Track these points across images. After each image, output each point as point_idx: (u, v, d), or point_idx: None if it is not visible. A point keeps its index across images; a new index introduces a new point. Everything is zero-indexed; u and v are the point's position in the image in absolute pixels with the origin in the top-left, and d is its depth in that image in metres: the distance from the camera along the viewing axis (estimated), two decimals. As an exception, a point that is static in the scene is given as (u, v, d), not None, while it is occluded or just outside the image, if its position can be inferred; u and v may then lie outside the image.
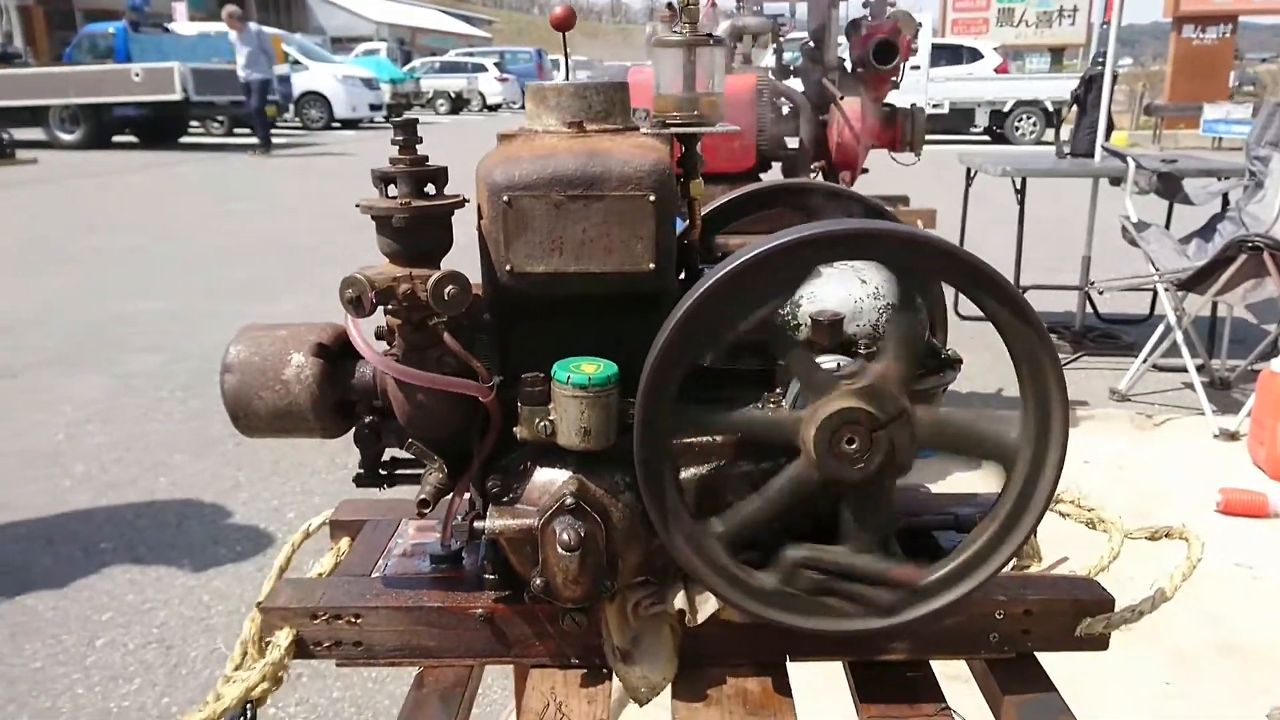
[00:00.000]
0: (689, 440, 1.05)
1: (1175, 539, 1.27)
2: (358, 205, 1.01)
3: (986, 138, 17.58)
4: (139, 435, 3.93)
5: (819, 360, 1.06)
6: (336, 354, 1.07)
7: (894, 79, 3.42)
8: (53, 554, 2.99)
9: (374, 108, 22.00)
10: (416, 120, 1.02)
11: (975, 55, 18.19)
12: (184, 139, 17.67)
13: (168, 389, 4.49)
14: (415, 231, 0.99)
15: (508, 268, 1.02)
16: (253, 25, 15.29)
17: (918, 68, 16.34)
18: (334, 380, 1.07)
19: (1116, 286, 4.61)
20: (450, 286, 0.97)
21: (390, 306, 1.02)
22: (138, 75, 15.60)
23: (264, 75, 14.79)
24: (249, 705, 1.18)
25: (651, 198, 0.99)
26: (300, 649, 1.15)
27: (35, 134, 15.88)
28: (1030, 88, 16.99)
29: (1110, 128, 4.98)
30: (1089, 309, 5.31)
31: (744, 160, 3.14)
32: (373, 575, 1.21)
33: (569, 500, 1.00)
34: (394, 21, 43.06)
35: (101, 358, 4.96)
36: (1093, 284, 4.85)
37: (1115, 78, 4.85)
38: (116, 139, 16.72)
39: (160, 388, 4.51)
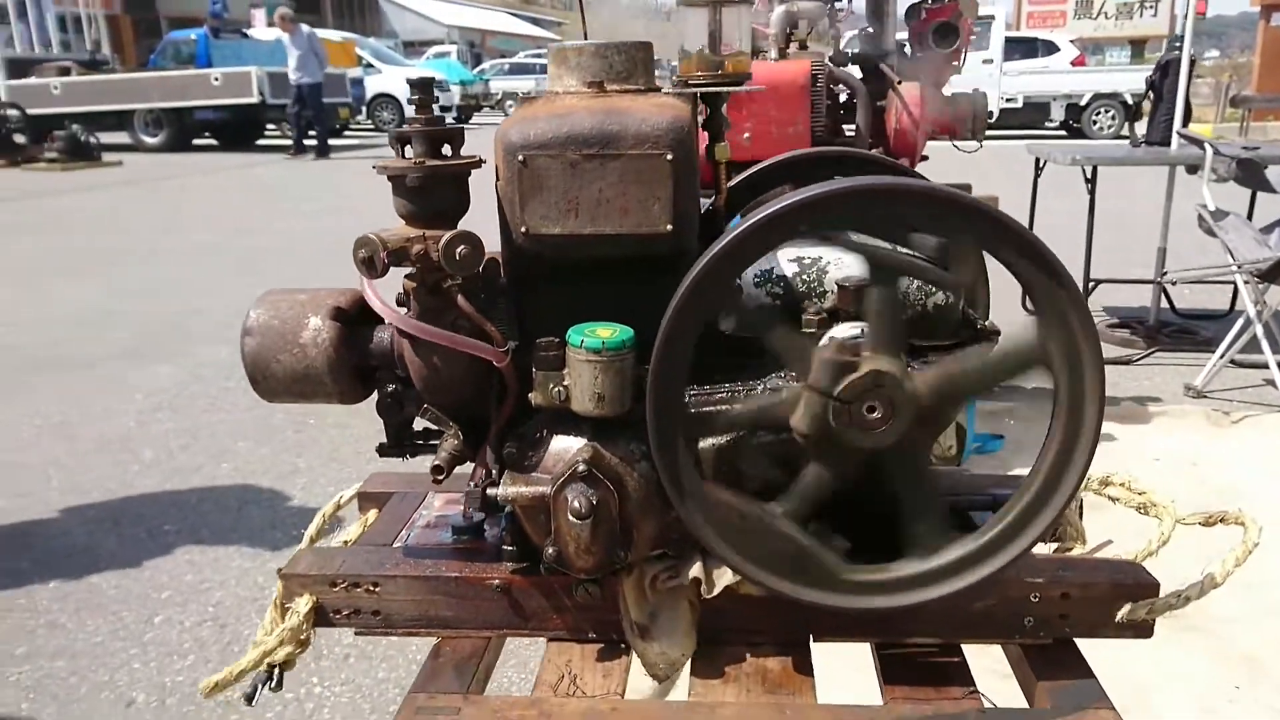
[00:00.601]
0: (703, 410, 1.02)
1: (1231, 524, 1.20)
2: (374, 166, 1.01)
3: (1063, 132, 17.11)
4: (205, 423, 4.03)
5: (844, 326, 1.03)
6: (354, 318, 1.07)
7: (955, 63, 3.34)
8: (118, 535, 3.08)
9: (444, 109, 22.31)
10: (434, 79, 1.01)
11: (1051, 48, 17.71)
12: (260, 141, 18.13)
13: (234, 379, 4.59)
14: (429, 192, 0.99)
15: (523, 229, 1.00)
16: (304, 27, 15.18)
17: (990, 61, 16.04)
18: (351, 344, 1.06)
19: (1190, 278, 4.43)
20: (462, 246, 0.95)
21: (407, 269, 1.01)
22: (217, 80, 16.06)
23: (314, 79, 14.73)
24: (275, 668, 1.19)
25: (669, 156, 0.97)
26: (320, 616, 1.15)
27: (121, 138, 16.46)
28: (1109, 80, 16.47)
29: (1188, 115, 4.79)
30: (1165, 304, 5.11)
31: (798, 147, 3.08)
32: (394, 545, 1.21)
33: (581, 467, 0.98)
34: (464, 25, 43.64)
35: (173, 349, 5.10)
36: (1165, 275, 4.67)
37: (1193, 62, 4.66)
38: (196, 141, 17.23)
39: (228, 378, 4.62)
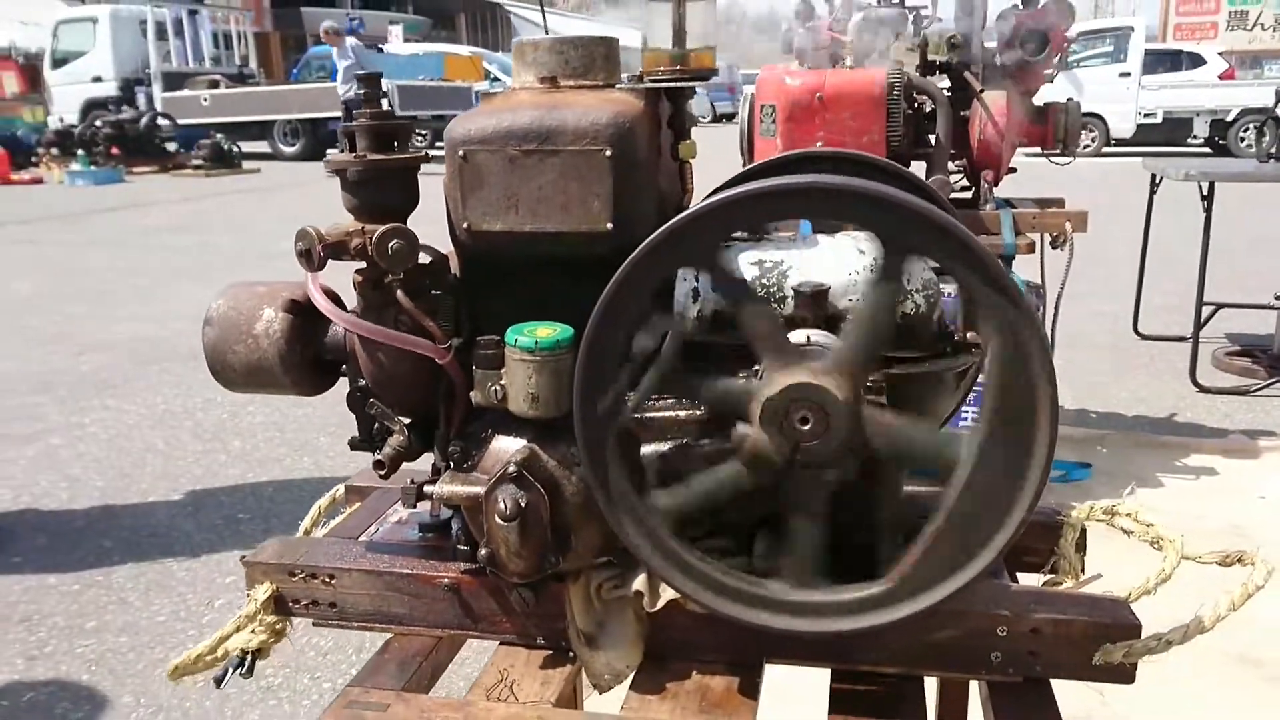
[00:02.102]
0: (647, 415, 0.99)
1: (1248, 565, 1.09)
2: (324, 162, 1.02)
3: (1207, 149, 16.13)
4: (293, 417, 4.18)
5: (795, 334, 0.98)
6: (310, 310, 1.08)
7: (1046, 72, 3.18)
8: (196, 520, 3.22)
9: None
10: (380, 74, 1.02)
11: (1197, 61, 16.73)
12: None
13: (328, 377, 4.76)
14: (371, 186, 0.99)
15: (465, 225, 0.99)
16: (351, 40, 14.53)
17: (1128, 74, 15.26)
18: (305, 337, 1.07)
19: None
20: (395, 241, 0.95)
21: (360, 265, 1.02)
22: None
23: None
24: (248, 655, 1.21)
25: (608, 152, 0.95)
26: (280, 605, 1.16)
27: (261, 147, 17.37)
28: (1258, 94, 15.44)
29: (1323, 129, 4.43)
30: (1294, 331, 4.74)
31: (872, 157, 2.99)
32: (360, 539, 1.21)
33: (512, 469, 0.97)
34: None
35: (277, 346, 5.33)
36: (1278, 297, 4.32)
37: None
38: (330, 151, 18.00)
39: (322, 376, 4.79)
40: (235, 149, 15.65)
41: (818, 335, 0.97)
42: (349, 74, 13.83)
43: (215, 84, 17.72)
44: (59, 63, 18.58)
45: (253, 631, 1.20)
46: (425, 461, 1.17)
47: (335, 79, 14.77)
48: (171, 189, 13.48)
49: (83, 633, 2.55)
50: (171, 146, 16.18)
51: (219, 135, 15.59)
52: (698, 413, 0.98)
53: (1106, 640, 0.98)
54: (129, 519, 3.25)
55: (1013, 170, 3.31)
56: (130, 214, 11.07)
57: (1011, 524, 0.88)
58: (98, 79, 18.03)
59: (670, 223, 0.85)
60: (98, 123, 15.14)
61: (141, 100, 17.00)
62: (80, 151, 14.50)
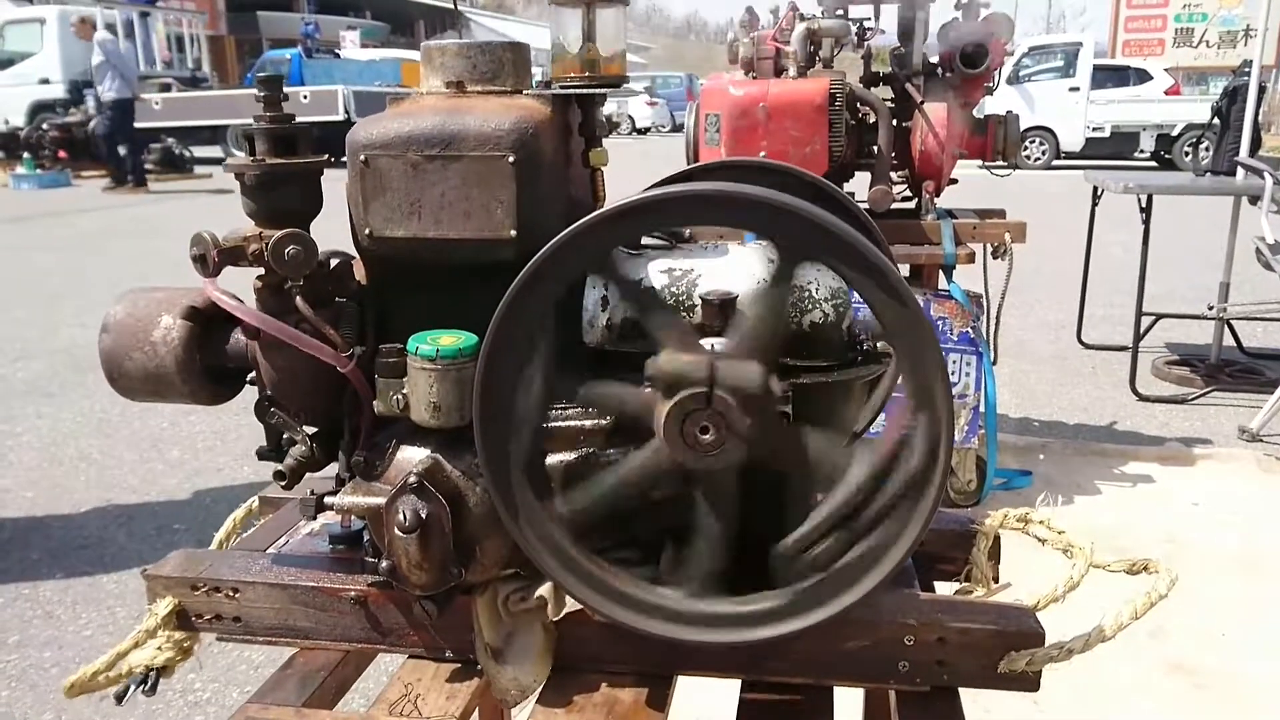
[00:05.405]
0: (553, 425, 0.98)
1: (1154, 573, 1.10)
2: (224, 165, 0.99)
3: (1153, 163, 16.49)
4: (234, 426, 4.11)
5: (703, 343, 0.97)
6: (211, 318, 1.06)
7: (987, 84, 3.23)
8: (129, 531, 3.15)
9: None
10: (281, 77, 1.00)
11: (1144, 77, 17.10)
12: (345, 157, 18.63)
13: (272, 385, 4.68)
14: (270, 190, 0.97)
15: (367, 232, 0.98)
16: (100, 34, 13.08)
17: (1077, 89, 15.57)
18: (205, 345, 1.05)
19: (1243, 314, 4.19)
20: (291, 247, 0.93)
21: (260, 270, 1.00)
22: (305, 97, 16.54)
23: (117, 94, 12.62)
24: (151, 672, 1.18)
25: (510, 159, 0.93)
26: (183, 620, 1.13)
27: (214, 151, 17.08)
28: (1202, 110, 15.81)
29: (1257, 144, 4.55)
30: (1231, 341, 4.85)
31: (814, 166, 3.01)
32: (268, 551, 1.19)
33: (413, 480, 0.95)
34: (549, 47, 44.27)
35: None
36: (1212, 308, 4.41)
37: (1262, 89, 4.42)
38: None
39: (267, 384, 4.71)
40: (187, 153, 15.40)
41: (723, 343, 0.96)
42: (102, 73, 12.52)
43: (167, 87, 17.41)
44: (4, 64, 18.13)
45: (159, 649, 1.17)
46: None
47: (249, 82, 13.84)
48: (118, 193, 13.22)
49: (4, 647, 2.47)
50: (121, 150, 15.85)
51: (170, 139, 15.33)
52: (603, 422, 0.97)
53: (1011, 649, 0.98)
54: (59, 530, 3.16)
55: (954, 181, 3.35)
56: (78, 218, 10.84)
57: (910, 536, 0.87)
58: (45, 81, 17.63)
59: (560, 235, 0.83)
60: (44, 125, 14.81)
61: (90, 103, 16.66)
62: (26, 155, 14.17)
